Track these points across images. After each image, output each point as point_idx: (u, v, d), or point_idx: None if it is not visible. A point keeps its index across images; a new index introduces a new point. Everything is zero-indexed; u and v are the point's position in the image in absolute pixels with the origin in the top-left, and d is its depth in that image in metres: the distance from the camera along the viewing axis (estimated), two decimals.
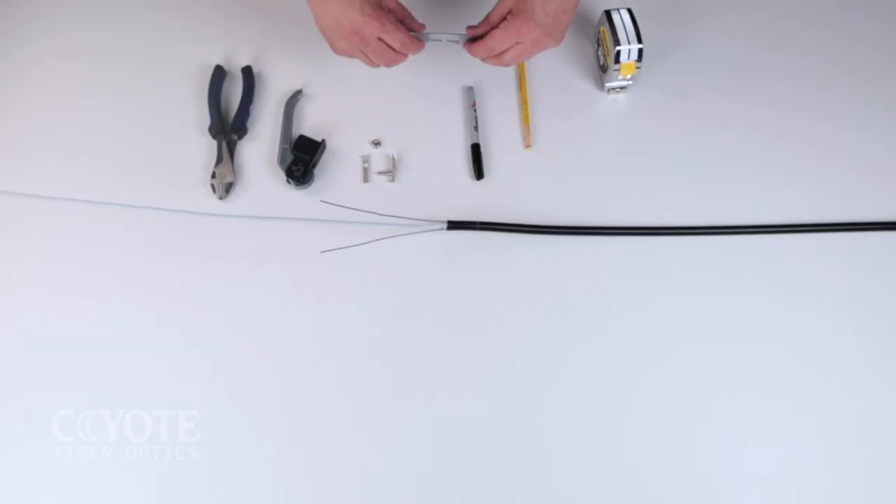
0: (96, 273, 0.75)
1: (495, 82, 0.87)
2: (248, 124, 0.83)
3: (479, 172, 0.81)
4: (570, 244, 0.77)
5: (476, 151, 0.82)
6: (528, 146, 0.83)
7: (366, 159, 0.82)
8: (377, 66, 0.75)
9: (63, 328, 0.73)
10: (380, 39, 0.70)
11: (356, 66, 0.83)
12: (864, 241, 0.78)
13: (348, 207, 0.75)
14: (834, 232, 0.78)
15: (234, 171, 0.80)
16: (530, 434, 0.70)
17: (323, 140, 0.80)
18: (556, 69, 0.87)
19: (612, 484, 0.68)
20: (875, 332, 0.74)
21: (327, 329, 0.73)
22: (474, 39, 0.75)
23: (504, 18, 0.71)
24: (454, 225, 0.76)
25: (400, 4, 0.73)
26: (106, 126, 0.83)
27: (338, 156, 0.82)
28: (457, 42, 0.76)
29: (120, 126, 0.83)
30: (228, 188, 0.79)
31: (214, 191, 0.79)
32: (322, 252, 0.74)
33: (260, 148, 0.83)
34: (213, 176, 0.80)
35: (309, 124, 0.84)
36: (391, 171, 0.81)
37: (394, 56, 0.73)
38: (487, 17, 0.74)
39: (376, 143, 0.83)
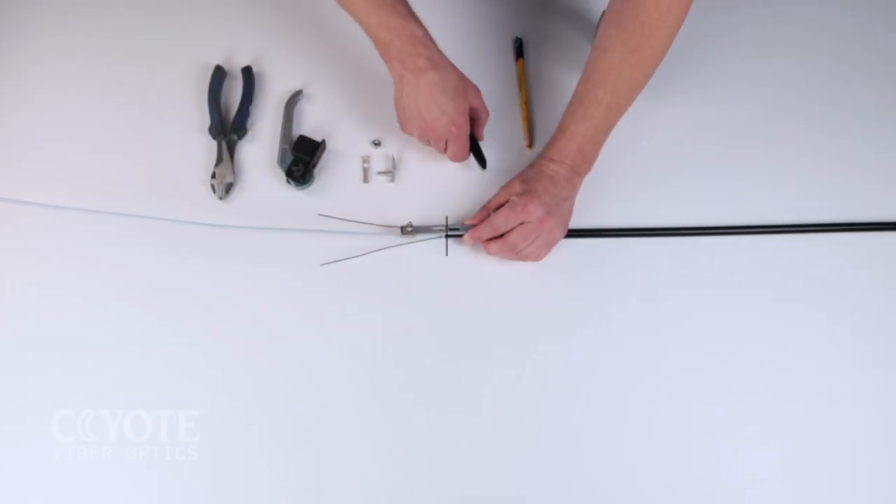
0: (98, 275, 0.75)
1: (495, 82, 0.87)
2: (248, 124, 0.83)
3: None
4: (570, 246, 0.77)
5: (474, 142, 0.81)
6: (528, 146, 0.83)
7: (366, 159, 0.82)
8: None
9: (63, 329, 0.73)
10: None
11: (356, 66, 0.83)
12: (861, 242, 0.78)
13: (346, 220, 0.76)
14: (831, 232, 0.78)
15: (234, 171, 0.80)
16: (530, 437, 0.70)
17: (323, 140, 0.80)
18: (556, 69, 0.87)
19: (611, 486, 0.68)
20: (874, 333, 0.74)
21: (327, 330, 0.74)
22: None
23: (502, 206, 0.72)
24: (453, 232, 0.77)
25: (483, 103, 0.77)
26: (105, 126, 0.83)
27: (338, 156, 0.82)
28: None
29: (120, 126, 0.83)
30: (228, 188, 0.79)
31: (214, 191, 0.79)
32: (322, 265, 0.75)
33: (260, 148, 0.83)
34: (213, 176, 0.80)
35: (309, 124, 0.84)
36: (391, 171, 0.81)
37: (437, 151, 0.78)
38: (485, 206, 0.75)
39: (376, 143, 0.83)
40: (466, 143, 0.76)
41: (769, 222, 0.79)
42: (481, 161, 0.80)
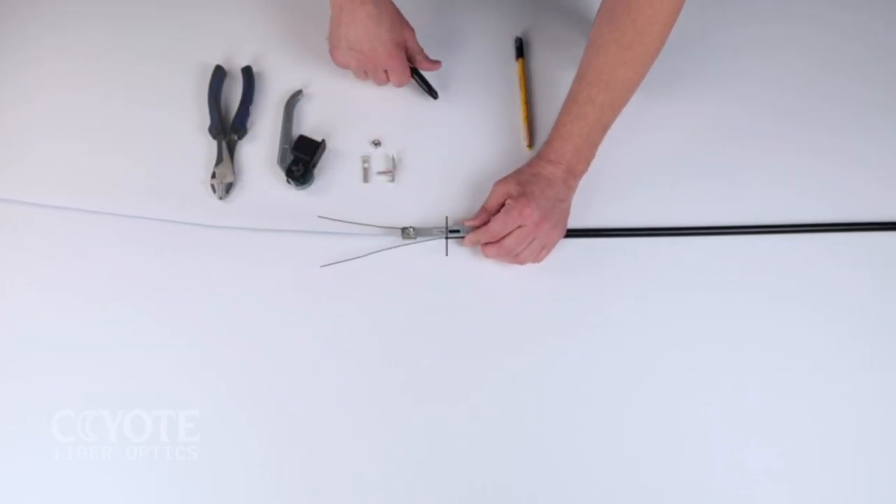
0: (98, 275, 0.75)
1: (495, 82, 0.87)
2: (248, 124, 0.83)
3: (432, 93, 0.84)
4: (569, 246, 0.77)
5: (419, 74, 0.84)
6: (528, 146, 0.83)
7: (366, 159, 0.82)
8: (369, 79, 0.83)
9: (64, 329, 0.73)
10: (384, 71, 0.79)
11: None
12: (860, 241, 0.78)
13: (346, 222, 0.76)
14: (829, 232, 0.78)
15: (234, 171, 0.80)
16: (529, 437, 0.70)
17: (323, 140, 0.80)
18: (556, 69, 0.87)
19: (610, 484, 0.68)
20: (872, 333, 0.74)
21: (327, 331, 0.74)
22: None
23: (501, 206, 0.73)
24: (453, 234, 0.77)
25: (417, 44, 0.80)
26: (105, 126, 0.83)
27: (338, 156, 0.82)
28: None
29: (120, 126, 0.83)
30: (228, 188, 0.79)
31: (214, 191, 0.79)
32: (322, 266, 0.75)
33: (260, 148, 0.83)
34: (213, 176, 0.80)
35: (309, 124, 0.84)
36: (391, 171, 0.81)
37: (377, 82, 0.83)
38: (484, 206, 0.75)
39: (376, 143, 0.83)
40: (406, 70, 0.80)
41: (768, 222, 0.79)
42: (431, 92, 0.84)
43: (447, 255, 0.77)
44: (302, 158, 0.78)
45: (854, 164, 0.82)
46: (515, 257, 0.73)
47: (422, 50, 0.81)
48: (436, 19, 0.90)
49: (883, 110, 0.85)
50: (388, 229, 0.77)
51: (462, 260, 0.77)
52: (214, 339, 0.73)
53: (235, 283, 0.75)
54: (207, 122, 0.82)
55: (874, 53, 0.89)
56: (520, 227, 0.71)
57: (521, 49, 0.88)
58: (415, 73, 0.82)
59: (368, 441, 0.69)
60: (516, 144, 0.83)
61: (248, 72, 0.84)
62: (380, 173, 0.81)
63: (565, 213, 0.75)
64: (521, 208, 0.70)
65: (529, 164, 0.74)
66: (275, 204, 0.79)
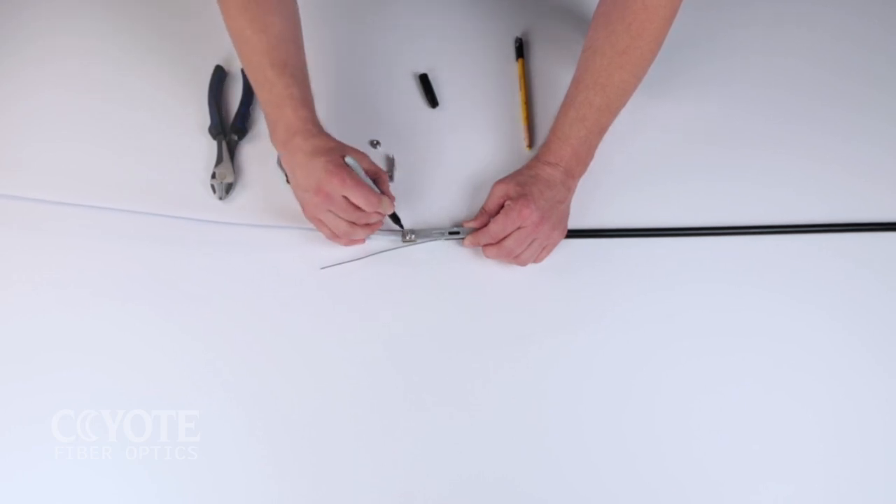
0: (98, 275, 0.75)
1: (495, 82, 0.87)
2: (248, 124, 0.83)
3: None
4: (569, 246, 0.77)
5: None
6: (528, 146, 0.83)
7: None
8: (339, 238, 0.72)
9: (63, 328, 0.73)
10: (344, 198, 0.67)
11: (356, 66, 0.83)
12: (858, 241, 0.79)
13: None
14: (830, 233, 0.79)
15: (234, 172, 0.80)
16: (532, 437, 0.70)
17: None
18: (556, 69, 0.87)
19: (613, 482, 0.69)
20: (874, 333, 0.75)
21: (327, 332, 0.74)
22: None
23: (500, 207, 0.72)
24: (453, 235, 0.77)
25: (374, 165, 0.71)
26: (105, 126, 0.83)
27: None
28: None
29: (120, 126, 0.83)
30: (228, 188, 0.79)
31: (214, 191, 0.79)
32: (322, 268, 0.75)
33: (260, 148, 0.82)
34: (213, 176, 0.80)
35: None
36: (390, 172, 0.81)
37: (356, 221, 0.69)
38: (483, 208, 0.75)
39: (375, 144, 0.83)
40: (364, 187, 0.67)
41: (768, 222, 0.79)
42: (397, 221, 0.76)
43: (447, 255, 0.77)
44: None
45: (854, 164, 0.82)
46: (516, 258, 0.73)
47: (381, 168, 0.72)
48: (436, 19, 0.90)
49: (883, 111, 0.85)
50: (389, 231, 0.77)
51: (462, 261, 0.77)
52: (215, 340, 0.73)
53: (236, 283, 0.75)
54: (207, 122, 0.82)
55: (874, 54, 0.89)
56: (519, 228, 0.71)
57: (521, 49, 0.88)
58: (422, 79, 0.81)
59: (369, 441, 0.70)
60: (516, 145, 0.83)
61: None
62: None
63: (565, 214, 0.75)
64: (520, 209, 0.70)
65: (528, 166, 0.74)
66: (275, 204, 0.79)
